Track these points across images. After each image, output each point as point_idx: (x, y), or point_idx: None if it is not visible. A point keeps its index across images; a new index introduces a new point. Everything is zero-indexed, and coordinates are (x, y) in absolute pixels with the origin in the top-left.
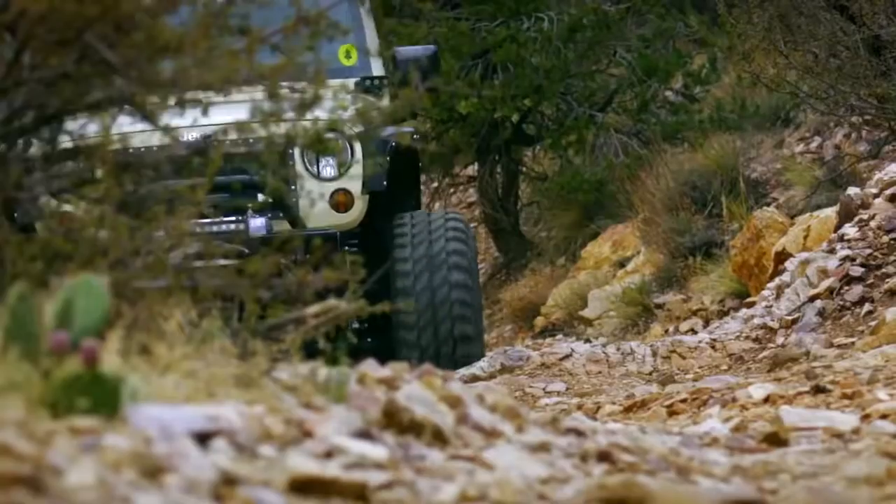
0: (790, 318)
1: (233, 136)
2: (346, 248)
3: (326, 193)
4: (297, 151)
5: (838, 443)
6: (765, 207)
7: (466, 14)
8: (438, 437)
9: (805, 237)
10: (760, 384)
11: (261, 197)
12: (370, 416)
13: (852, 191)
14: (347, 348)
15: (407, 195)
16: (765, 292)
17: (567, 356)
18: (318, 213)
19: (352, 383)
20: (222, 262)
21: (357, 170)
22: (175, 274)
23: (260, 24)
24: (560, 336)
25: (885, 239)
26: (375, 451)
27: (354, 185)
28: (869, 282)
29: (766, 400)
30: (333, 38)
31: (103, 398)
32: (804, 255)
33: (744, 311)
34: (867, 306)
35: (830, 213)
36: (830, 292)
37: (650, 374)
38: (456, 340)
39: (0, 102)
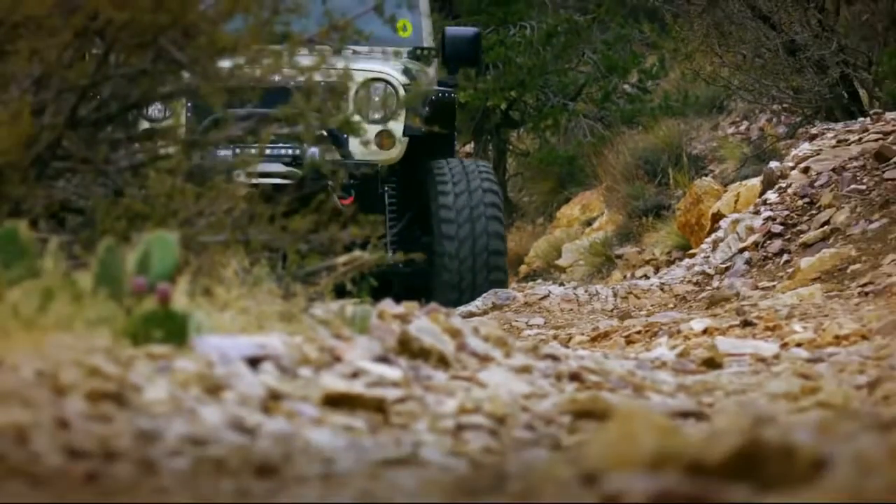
0: (724, 266)
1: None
2: (387, 183)
3: (372, 132)
4: (350, 95)
5: (762, 366)
6: (703, 177)
7: (464, 22)
8: (442, 362)
9: (736, 201)
10: (700, 319)
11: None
12: (388, 345)
13: (773, 164)
14: (386, 282)
15: (443, 143)
16: (703, 245)
17: (545, 297)
18: (364, 149)
19: (373, 318)
20: (280, 181)
21: (400, 116)
22: (232, 230)
23: (300, 30)
24: (539, 280)
25: (800, 203)
26: (392, 373)
27: (397, 128)
28: (787, 237)
29: (705, 332)
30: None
31: (174, 330)
32: (735, 215)
33: (686, 261)
34: (785, 257)
35: (756, 182)
36: (756, 245)
37: (612, 311)
38: (490, 269)
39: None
